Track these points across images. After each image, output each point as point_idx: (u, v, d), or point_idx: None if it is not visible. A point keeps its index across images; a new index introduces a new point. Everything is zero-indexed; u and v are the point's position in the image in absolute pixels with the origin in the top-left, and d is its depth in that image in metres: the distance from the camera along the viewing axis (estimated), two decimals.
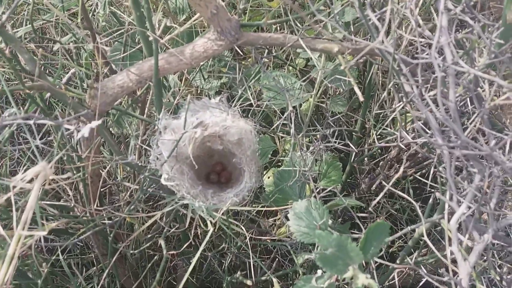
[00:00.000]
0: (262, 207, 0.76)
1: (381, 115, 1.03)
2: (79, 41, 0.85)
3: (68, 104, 0.64)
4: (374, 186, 1.01)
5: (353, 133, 0.93)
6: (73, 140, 0.64)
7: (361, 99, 0.63)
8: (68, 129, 0.62)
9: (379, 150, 1.10)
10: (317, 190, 0.69)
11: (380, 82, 1.04)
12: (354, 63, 0.68)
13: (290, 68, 1.10)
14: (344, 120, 1.09)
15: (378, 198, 0.58)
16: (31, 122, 0.45)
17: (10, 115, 0.72)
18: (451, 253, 0.55)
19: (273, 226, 1.15)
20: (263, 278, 0.81)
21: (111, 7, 0.96)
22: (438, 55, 0.51)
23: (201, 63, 0.80)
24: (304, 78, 0.74)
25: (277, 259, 1.00)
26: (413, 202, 0.60)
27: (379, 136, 1.05)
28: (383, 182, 0.96)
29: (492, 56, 0.53)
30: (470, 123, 0.58)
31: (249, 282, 0.72)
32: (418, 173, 1.05)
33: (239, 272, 0.78)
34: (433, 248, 0.55)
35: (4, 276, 0.41)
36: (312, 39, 0.65)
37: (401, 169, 0.66)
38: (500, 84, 0.45)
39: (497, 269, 0.72)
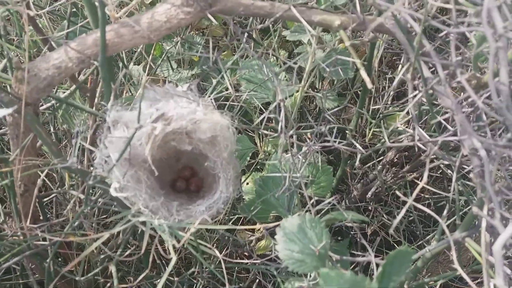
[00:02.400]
0: (240, 225, 0.61)
1: (376, 111, 0.90)
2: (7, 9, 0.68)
3: None
4: (369, 193, 0.87)
5: (347, 131, 0.79)
6: None
7: (369, 85, 0.49)
8: None
9: (373, 153, 0.96)
10: (311, 201, 0.55)
11: (376, 72, 0.91)
12: (360, 41, 0.54)
13: (273, 59, 0.96)
14: (334, 118, 0.95)
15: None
16: None
17: None
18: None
19: (252, 239, 1.00)
20: None
21: None
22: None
23: (159, 38, 0.64)
24: (294, 60, 0.60)
25: (257, 279, 0.85)
26: (438, 218, 0.46)
27: (372, 136, 0.92)
28: (382, 189, 0.83)
29: None
30: None
31: None
32: (412, 177, 0.92)
33: None
34: (471, 283, 0.42)
35: None
36: (307, 9, 0.50)
37: (416, 175, 0.52)
38: None
39: None
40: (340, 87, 1.02)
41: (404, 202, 1.00)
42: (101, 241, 0.50)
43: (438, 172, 0.98)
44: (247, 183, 0.94)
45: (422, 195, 1.04)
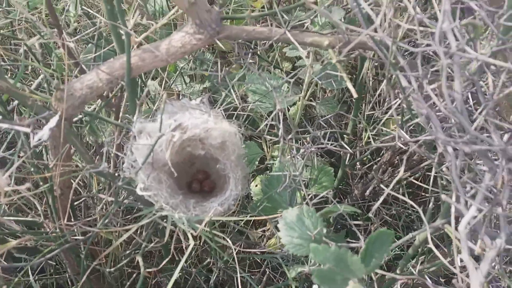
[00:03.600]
0: (250, 217, 0.70)
1: (373, 117, 0.98)
2: (46, 41, 0.78)
3: (29, 106, 0.57)
4: (368, 191, 0.95)
5: (345, 135, 0.88)
6: (31, 144, 0.56)
7: (355, 95, 0.57)
8: (33, 134, 0.56)
9: (370, 155, 1.04)
10: (309, 196, 0.63)
11: (371, 82, 0.99)
12: (346, 57, 0.63)
13: (277, 71, 1.05)
14: (334, 123, 1.04)
15: (378, 203, 0.52)
16: None
17: None
18: (460, 260, 0.50)
19: (263, 237, 1.09)
20: None
21: (83, 8, 0.90)
22: (440, 44, 0.46)
23: (177, 59, 0.74)
24: (291, 74, 0.69)
25: (267, 272, 0.93)
26: (416, 207, 0.55)
27: (370, 139, 1.00)
28: (379, 186, 0.90)
29: (499, 42, 0.48)
30: (476, 118, 0.53)
31: None
32: (412, 177, 1.00)
33: None
34: (441, 257, 0.50)
35: None
36: (300, 33, 0.59)
37: (402, 171, 0.60)
38: None
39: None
40: (342, 95, 1.11)
41: (403, 201, 1.07)
42: (131, 232, 0.59)
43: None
44: (256, 185, 1.02)
45: (423, 194, 1.11)
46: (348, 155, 0.80)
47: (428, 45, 0.47)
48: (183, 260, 0.54)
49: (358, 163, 1.04)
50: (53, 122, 0.51)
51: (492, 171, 0.47)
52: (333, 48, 0.59)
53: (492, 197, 0.48)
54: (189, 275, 0.85)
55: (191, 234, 0.55)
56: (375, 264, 0.48)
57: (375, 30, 0.52)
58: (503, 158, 0.46)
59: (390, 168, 1.01)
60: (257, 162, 0.98)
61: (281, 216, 0.59)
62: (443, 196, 0.51)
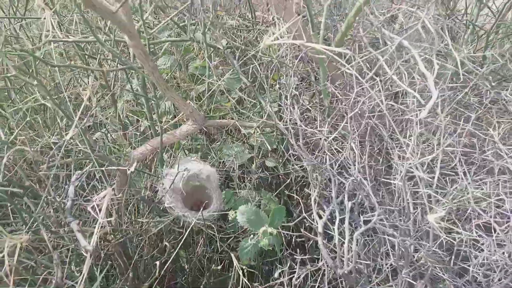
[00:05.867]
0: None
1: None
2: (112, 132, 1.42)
3: (114, 164, 1.19)
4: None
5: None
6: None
7: (270, 148, 1.20)
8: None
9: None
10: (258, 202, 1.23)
11: None
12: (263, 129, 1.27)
13: (244, 142, 1.69)
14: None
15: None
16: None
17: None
18: None
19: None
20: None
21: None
22: None
23: (184, 138, 1.37)
24: (247, 143, 1.32)
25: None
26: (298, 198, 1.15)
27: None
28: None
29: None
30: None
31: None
32: None
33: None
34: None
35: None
36: (242, 122, 1.24)
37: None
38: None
39: None
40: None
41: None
42: (165, 223, 1.18)
43: None
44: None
45: None
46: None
47: None
48: (185, 234, 1.12)
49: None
50: (132, 169, 1.12)
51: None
52: (258, 127, 1.24)
53: None
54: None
55: (195, 228, 1.14)
56: (278, 222, 1.07)
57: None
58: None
59: None
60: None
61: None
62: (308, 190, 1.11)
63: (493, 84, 1.15)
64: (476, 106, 1.17)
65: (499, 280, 0.84)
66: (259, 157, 1.45)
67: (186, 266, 1.39)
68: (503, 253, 0.83)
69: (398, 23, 1.30)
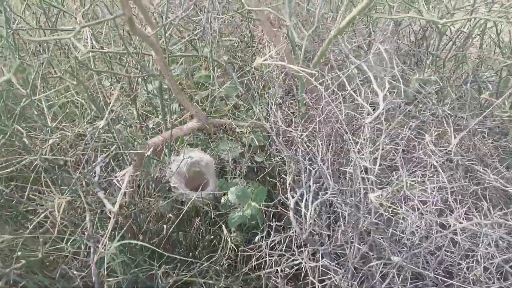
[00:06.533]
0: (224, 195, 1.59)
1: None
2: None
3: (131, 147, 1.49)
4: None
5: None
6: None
7: (258, 143, 1.52)
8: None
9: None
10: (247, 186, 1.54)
11: None
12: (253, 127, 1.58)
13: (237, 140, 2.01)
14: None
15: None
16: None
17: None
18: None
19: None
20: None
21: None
22: None
23: (189, 133, 1.68)
24: (241, 140, 1.64)
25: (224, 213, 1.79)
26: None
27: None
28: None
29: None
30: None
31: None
32: None
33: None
34: None
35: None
36: (237, 122, 1.55)
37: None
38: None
39: None
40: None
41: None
42: (170, 200, 1.48)
43: None
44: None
45: None
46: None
47: None
48: (185, 207, 1.43)
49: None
50: (148, 152, 1.43)
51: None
52: (250, 127, 1.55)
53: None
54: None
55: (195, 205, 1.44)
56: (260, 199, 1.38)
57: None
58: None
59: None
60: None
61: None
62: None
63: (433, 101, 1.48)
64: (420, 118, 1.50)
65: (419, 241, 1.16)
66: (249, 152, 1.76)
67: (182, 241, 1.69)
68: (421, 222, 1.15)
69: (364, 51, 1.63)
